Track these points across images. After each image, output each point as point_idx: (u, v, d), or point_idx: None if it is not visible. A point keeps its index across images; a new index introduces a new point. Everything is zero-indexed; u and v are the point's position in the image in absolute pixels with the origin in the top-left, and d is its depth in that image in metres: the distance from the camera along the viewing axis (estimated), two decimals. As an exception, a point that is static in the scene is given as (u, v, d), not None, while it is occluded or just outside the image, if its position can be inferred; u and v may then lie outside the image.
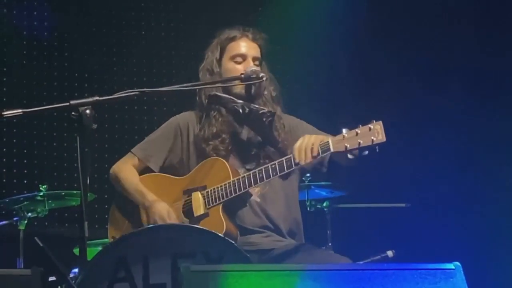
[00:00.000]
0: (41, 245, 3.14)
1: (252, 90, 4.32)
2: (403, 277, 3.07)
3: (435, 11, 6.97)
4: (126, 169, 4.41)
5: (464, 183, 6.59)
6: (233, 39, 4.44)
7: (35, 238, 3.13)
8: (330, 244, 6.02)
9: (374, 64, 6.98)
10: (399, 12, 7.03)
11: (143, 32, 7.30)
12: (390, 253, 5.72)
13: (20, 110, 3.47)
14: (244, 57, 4.38)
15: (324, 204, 6.15)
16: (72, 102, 3.45)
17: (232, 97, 4.28)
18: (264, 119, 4.22)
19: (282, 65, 5.98)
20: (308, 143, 3.90)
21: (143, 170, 4.43)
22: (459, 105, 6.67)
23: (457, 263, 3.12)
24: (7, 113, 3.46)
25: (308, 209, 6.09)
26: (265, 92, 4.40)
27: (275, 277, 3.01)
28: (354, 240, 6.32)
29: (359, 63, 7.06)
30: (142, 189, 4.31)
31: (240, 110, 4.24)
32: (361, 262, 5.53)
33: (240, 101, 4.25)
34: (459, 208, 6.61)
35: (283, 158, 4.02)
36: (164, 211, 4.18)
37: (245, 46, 4.41)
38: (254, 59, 4.39)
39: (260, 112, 4.22)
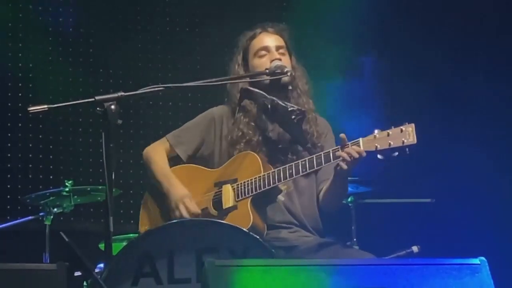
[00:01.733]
0: (67, 239, 3.15)
1: (278, 85, 4.31)
2: (428, 272, 3.06)
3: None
4: (158, 153, 4.45)
5: (489, 177, 6.53)
6: (253, 36, 4.46)
7: (61, 232, 3.14)
8: (355, 239, 5.99)
9: (401, 59, 6.91)
10: (432, 4, 6.97)
11: (167, 28, 7.29)
12: (415, 249, 5.68)
13: (45, 106, 3.51)
14: (267, 49, 4.39)
15: (349, 199, 6.11)
16: (97, 97, 3.49)
17: (262, 92, 4.26)
18: (293, 117, 4.20)
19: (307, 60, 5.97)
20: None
21: (174, 157, 4.47)
22: (485, 98, 6.60)
23: (483, 258, 3.10)
24: (33, 108, 3.50)
25: (333, 204, 6.06)
26: (290, 88, 4.37)
27: (300, 272, 3.01)
28: (379, 235, 6.29)
29: (387, 57, 7.00)
30: (168, 175, 4.35)
31: (269, 106, 4.23)
32: (386, 258, 5.50)
33: (270, 97, 4.23)
34: (485, 203, 6.55)
35: (314, 156, 4.05)
36: (183, 195, 4.21)
37: (266, 39, 4.43)
38: (277, 48, 4.39)
39: (289, 109, 4.19)
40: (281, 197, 4.25)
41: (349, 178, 5.75)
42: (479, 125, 6.63)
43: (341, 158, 3.96)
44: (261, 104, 4.28)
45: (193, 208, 4.19)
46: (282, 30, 4.49)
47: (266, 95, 4.24)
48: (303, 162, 4.04)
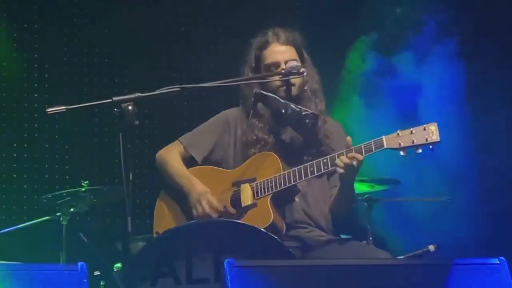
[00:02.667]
0: (86, 240, 3.17)
1: (292, 87, 4.32)
2: (447, 272, 3.04)
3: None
4: (171, 155, 4.48)
5: (506, 175, 6.48)
6: (265, 46, 4.44)
7: (80, 234, 3.16)
8: (370, 238, 5.96)
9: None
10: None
11: (182, 28, 7.29)
12: (432, 248, 5.63)
13: (63, 107, 3.51)
14: (277, 65, 4.37)
15: (365, 198, 6.10)
16: (114, 98, 3.48)
17: (276, 96, 4.28)
18: (307, 121, 4.22)
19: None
20: None
21: (188, 159, 4.48)
22: (501, 93, 6.55)
23: (502, 258, 3.08)
24: (51, 109, 3.50)
25: (349, 204, 6.04)
26: (305, 88, 4.39)
27: (320, 271, 3.00)
28: (395, 234, 6.28)
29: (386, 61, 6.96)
30: (186, 174, 4.38)
31: (283, 110, 4.24)
32: (402, 257, 5.49)
33: (283, 101, 4.24)
34: (502, 201, 6.50)
35: (335, 153, 4.05)
36: (204, 193, 4.24)
37: (277, 52, 4.40)
38: (286, 62, 4.36)
39: (303, 113, 4.22)
40: (296, 199, 4.26)
41: (364, 178, 5.85)
42: (493, 122, 6.57)
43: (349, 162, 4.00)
44: (274, 108, 4.30)
45: (216, 203, 4.22)
46: (294, 38, 4.46)
47: (280, 99, 4.26)
48: (325, 160, 4.06)
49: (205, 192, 4.26)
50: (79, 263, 3.16)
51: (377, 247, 5.19)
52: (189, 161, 4.49)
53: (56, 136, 6.91)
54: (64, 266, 3.73)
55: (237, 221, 3.98)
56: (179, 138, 4.53)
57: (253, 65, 4.46)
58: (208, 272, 3.57)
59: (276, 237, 3.68)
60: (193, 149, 4.46)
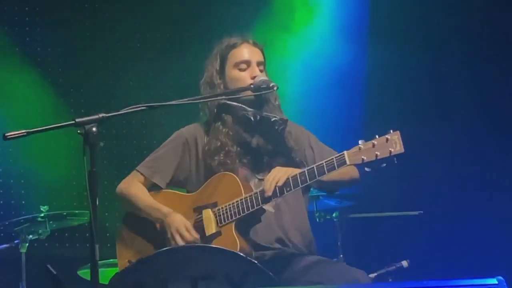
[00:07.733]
0: (54, 272, 2.99)
1: (262, 101, 4.21)
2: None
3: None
4: (134, 186, 4.29)
5: (479, 188, 6.43)
6: (234, 46, 4.33)
7: (48, 265, 2.98)
8: (341, 255, 5.86)
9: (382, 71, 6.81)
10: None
11: (145, 44, 7.15)
12: (405, 263, 5.58)
13: (24, 131, 3.36)
14: (248, 63, 4.26)
15: (334, 215, 5.98)
16: (77, 120, 3.34)
17: (242, 105, 4.18)
18: (277, 127, 4.15)
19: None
20: (276, 176, 3.90)
21: (150, 188, 4.30)
22: (470, 110, 6.52)
23: (500, 277, 2.96)
24: (11, 134, 3.33)
25: (317, 220, 5.93)
26: (270, 103, 4.28)
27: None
28: (366, 250, 6.19)
29: (361, 71, 6.90)
30: (154, 203, 4.20)
31: (252, 118, 4.15)
32: (375, 274, 5.40)
33: (251, 109, 4.15)
34: (474, 215, 6.44)
35: (297, 173, 3.90)
36: (181, 223, 4.05)
37: (248, 52, 4.30)
38: (258, 63, 4.28)
39: (272, 119, 4.14)
40: (271, 209, 4.07)
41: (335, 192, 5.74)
42: (466, 134, 6.53)
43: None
44: (241, 117, 4.19)
45: (189, 237, 4.02)
46: (261, 45, 4.38)
47: (247, 107, 4.16)
48: (287, 181, 3.90)
49: (179, 224, 4.04)
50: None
51: (348, 263, 5.10)
52: (152, 189, 4.31)
53: (11, 160, 6.68)
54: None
55: (213, 246, 3.82)
56: (137, 168, 4.35)
57: (218, 68, 4.33)
58: (186, 301, 3.41)
59: (255, 262, 3.54)
60: (156, 176, 4.29)
